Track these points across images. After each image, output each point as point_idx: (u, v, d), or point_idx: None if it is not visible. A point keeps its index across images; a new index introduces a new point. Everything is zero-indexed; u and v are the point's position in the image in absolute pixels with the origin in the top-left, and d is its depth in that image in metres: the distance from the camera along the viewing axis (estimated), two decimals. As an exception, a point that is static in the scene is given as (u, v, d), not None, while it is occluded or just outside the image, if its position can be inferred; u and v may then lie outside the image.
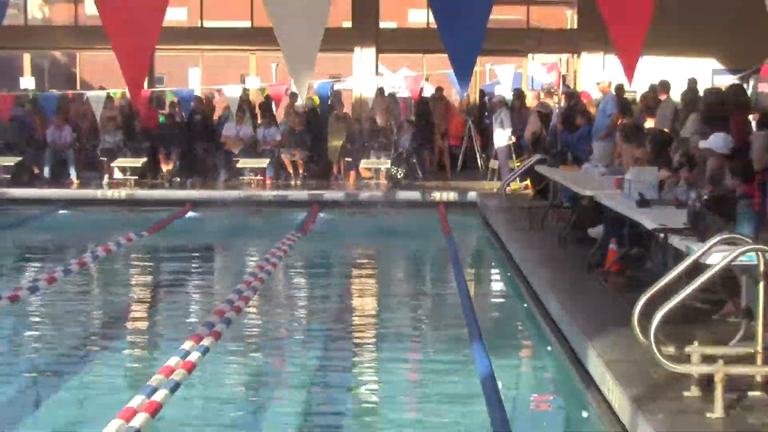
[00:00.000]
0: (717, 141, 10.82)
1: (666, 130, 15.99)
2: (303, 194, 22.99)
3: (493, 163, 24.37)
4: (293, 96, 26.01)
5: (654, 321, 6.99)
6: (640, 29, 6.22)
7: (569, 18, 38.96)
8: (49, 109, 24.27)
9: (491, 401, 8.04)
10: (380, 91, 27.49)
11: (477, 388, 8.72)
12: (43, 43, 33.19)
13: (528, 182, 21.19)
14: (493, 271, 15.75)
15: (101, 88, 25.83)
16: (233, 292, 12.55)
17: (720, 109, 13.27)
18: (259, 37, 31.38)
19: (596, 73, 27.20)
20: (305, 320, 12.54)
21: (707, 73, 24.49)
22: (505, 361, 9.76)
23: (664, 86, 19.34)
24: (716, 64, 26.14)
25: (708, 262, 7.51)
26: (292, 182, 24.35)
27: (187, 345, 9.66)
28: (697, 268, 7.64)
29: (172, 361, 9.14)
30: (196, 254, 17.98)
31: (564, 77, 29.45)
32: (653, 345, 7.01)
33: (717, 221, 8.66)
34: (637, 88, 20.27)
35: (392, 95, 28.05)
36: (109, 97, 24.23)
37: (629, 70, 6.37)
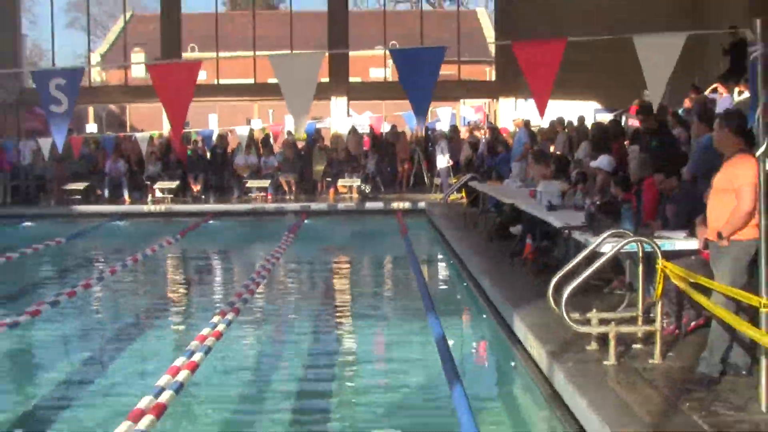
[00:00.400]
0: (603, 161, 10.90)
1: (562, 154, 16.05)
2: (296, 206, 22.89)
3: (437, 180, 24.41)
4: (289, 134, 26.01)
5: (564, 294, 7.03)
6: (549, 79, 6.27)
7: (488, 73, 39.25)
8: (108, 147, 24.15)
9: (444, 357, 8.03)
10: (353, 129, 27.53)
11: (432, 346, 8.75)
12: (102, 99, 33.07)
13: (463, 194, 21.19)
14: (439, 259, 15.70)
15: (143, 130, 25.62)
16: (248, 278, 12.53)
17: (604, 138, 13.37)
18: (260, 90, 31.56)
19: (510, 113, 27.41)
20: (300, 297, 12.39)
21: (591, 111, 24.61)
22: (452, 326, 9.71)
23: (561, 122, 19.46)
24: (597, 105, 26.30)
25: (602, 250, 7.55)
26: (287, 197, 24.27)
27: (215, 319, 9.65)
28: (593, 255, 7.68)
29: (205, 330, 9.10)
30: (218, 251, 17.91)
31: (487, 117, 29.55)
32: (564, 312, 7.03)
33: (606, 221, 8.70)
34: (540, 123, 20.41)
35: (358, 132, 28.01)
36: (151, 137, 24.13)
37: (541, 108, 6.42)
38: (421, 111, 6.91)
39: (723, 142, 6.85)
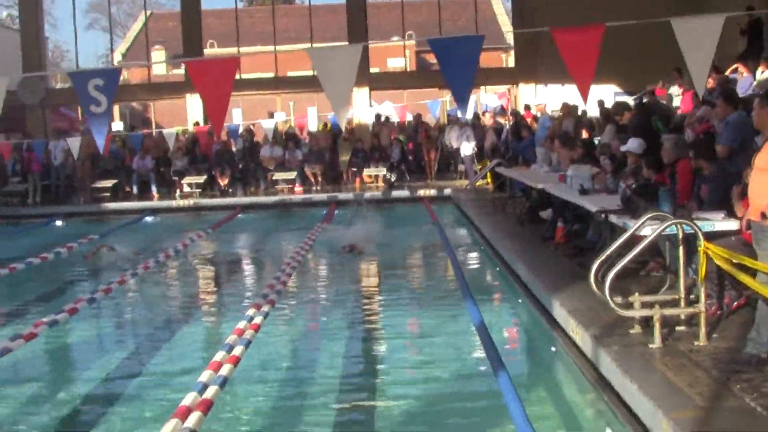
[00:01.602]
0: (633, 144, 10.76)
1: (589, 137, 15.90)
2: (323, 196, 22.89)
3: (461, 167, 24.30)
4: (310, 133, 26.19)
5: (608, 278, 6.94)
6: (590, 65, 6.18)
7: (504, 59, 39.10)
8: (135, 144, 24.17)
9: (485, 342, 7.98)
10: (386, 118, 27.69)
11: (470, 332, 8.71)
12: (126, 97, 33.10)
13: (488, 180, 21.12)
14: (469, 245, 15.61)
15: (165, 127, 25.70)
16: (279, 270, 12.50)
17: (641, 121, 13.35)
18: (281, 84, 31.47)
19: (531, 99, 27.22)
20: (334, 284, 12.28)
21: (610, 95, 24.41)
22: (489, 312, 9.63)
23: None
24: (616, 88, 26.07)
25: (641, 233, 7.45)
26: (314, 188, 24.25)
27: (251, 311, 9.57)
28: (632, 238, 7.60)
29: (241, 324, 9.04)
30: (249, 243, 17.87)
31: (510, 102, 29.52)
32: (608, 296, 6.95)
33: (643, 203, 8.59)
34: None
35: (389, 122, 27.96)
36: (177, 133, 24.11)
37: (584, 94, 6.34)
38: (463, 99, 6.83)
39: (763, 120, 6.73)
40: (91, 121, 7.20)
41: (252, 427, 7.03)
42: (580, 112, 19.25)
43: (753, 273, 6.45)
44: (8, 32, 37.97)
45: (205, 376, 7.10)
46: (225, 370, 7.27)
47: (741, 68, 15.99)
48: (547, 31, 6.95)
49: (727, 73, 16.38)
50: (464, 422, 6.83)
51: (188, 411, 6.22)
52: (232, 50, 31.72)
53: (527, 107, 25.08)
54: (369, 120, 28.02)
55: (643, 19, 7.64)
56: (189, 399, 6.46)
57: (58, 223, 21.73)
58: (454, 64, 6.44)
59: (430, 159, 25.44)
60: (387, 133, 26.36)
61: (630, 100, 18.82)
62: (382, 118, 28.00)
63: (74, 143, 19.96)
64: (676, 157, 9.36)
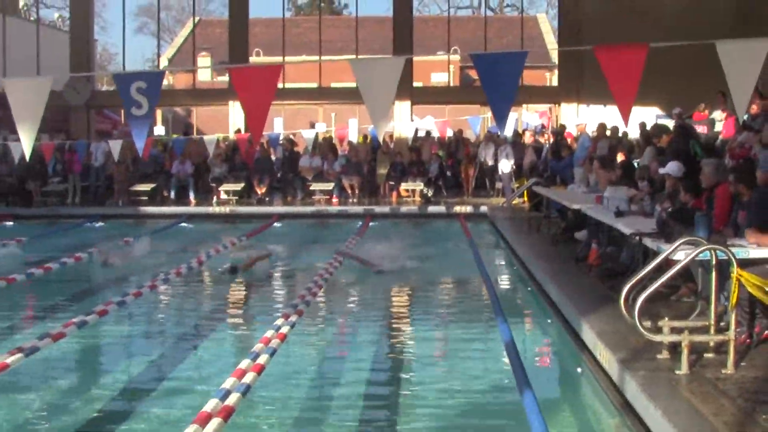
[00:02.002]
0: (673, 167, 10.70)
1: (627, 160, 15.80)
2: (359, 209, 22.97)
3: (498, 185, 24.27)
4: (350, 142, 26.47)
5: (638, 302, 6.91)
6: (632, 84, 6.17)
7: (548, 78, 38.99)
8: (177, 149, 24.42)
9: (513, 360, 7.97)
10: (427, 133, 27.89)
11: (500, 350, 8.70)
12: (169, 102, 33.48)
13: (525, 198, 21.08)
14: (503, 264, 15.55)
15: (207, 133, 25.93)
16: (311, 281, 12.55)
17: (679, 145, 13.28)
18: (324, 94, 31.68)
19: (573, 118, 27.13)
20: (364, 297, 12.25)
21: (652, 117, 24.27)
22: (518, 331, 9.59)
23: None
24: (658, 111, 25.90)
25: (675, 258, 7.41)
26: (350, 200, 24.35)
27: (279, 321, 9.64)
28: (664, 262, 7.56)
29: (269, 333, 9.11)
30: (283, 253, 17.91)
31: (551, 121, 29.44)
32: (637, 320, 6.92)
33: (679, 227, 8.54)
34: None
35: (431, 136, 28.05)
36: (217, 140, 24.31)
37: (625, 114, 6.33)
38: (502, 116, 6.84)
39: None
40: (132, 123, 7.30)
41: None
42: (621, 134, 19.14)
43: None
44: (59, 33, 38.59)
45: (228, 383, 7.17)
46: (248, 378, 7.34)
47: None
48: (589, 50, 6.95)
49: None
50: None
51: (209, 417, 6.28)
52: (278, 59, 31.97)
53: (563, 126, 25.03)
54: (409, 134, 28.08)
55: (688, 41, 7.61)
56: (210, 405, 6.52)
57: (96, 224, 21.97)
58: (496, 80, 6.45)
59: (468, 175, 25.41)
60: (428, 148, 26.44)
61: (671, 123, 18.70)
62: (422, 133, 28.11)
63: (116, 145, 20.24)
64: (716, 182, 9.30)
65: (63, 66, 31.21)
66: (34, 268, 13.50)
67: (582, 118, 24.86)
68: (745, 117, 14.46)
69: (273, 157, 25.93)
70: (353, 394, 7.97)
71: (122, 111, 33.46)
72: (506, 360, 8.19)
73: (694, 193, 9.69)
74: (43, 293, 13.07)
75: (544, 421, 6.12)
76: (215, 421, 6.19)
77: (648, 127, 18.47)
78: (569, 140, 21.70)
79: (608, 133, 18.96)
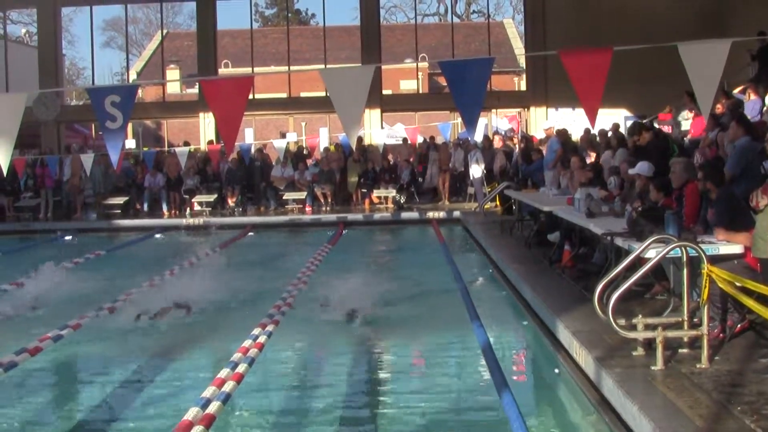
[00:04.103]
0: (643, 167, 10.83)
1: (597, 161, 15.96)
2: (332, 217, 22.98)
3: (470, 190, 24.38)
4: (326, 149, 26.62)
5: (611, 301, 6.99)
6: (598, 87, 6.25)
7: (516, 83, 39.22)
8: (149, 162, 24.29)
9: (490, 362, 8.03)
10: (405, 140, 28.10)
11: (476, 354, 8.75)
12: (140, 115, 33.36)
13: (497, 202, 21.19)
14: (477, 267, 15.59)
15: (186, 144, 25.81)
16: (285, 291, 12.53)
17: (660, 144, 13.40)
18: (293, 104, 31.70)
19: (542, 122, 27.31)
20: (341, 305, 12.24)
21: (621, 119, 24.53)
22: (494, 334, 9.61)
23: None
24: (626, 112, 26.16)
25: (646, 256, 7.50)
26: (323, 208, 24.35)
27: (256, 331, 9.67)
28: (637, 261, 7.64)
29: (247, 342, 9.12)
30: (257, 263, 17.83)
31: (520, 125, 29.67)
32: (611, 318, 6.99)
33: (649, 226, 8.64)
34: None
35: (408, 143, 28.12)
36: (190, 151, 24.22)
37: (591, 117, 6.41)
38: (471, 121, 6.91)
39: None
40: (106, 137, 7.30)
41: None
42: (588, 135, 19.34)
43: (756, 296, 6.49)
44: (26, 49, 38.33)
45: (208, 392, 7.19)
46: (228, 386, 7.37)
47: (750, 91, 16.01)
48: (556, 54, 7.04)
49: (735, 91, 16.42)
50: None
51: (190, 425, 6.29)
52: (246, 70, 31.94)
53: (528, 134, 25.31)
54: (380, 141, 28.13)
55: (651, 44, 7.72)
56: (191, 414, 6.53)
57: (68, 237, 21.83)
58: (464, 86, 6.52)
59: (444, 181, 25.49)
60: (406, 153, 26.54)
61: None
62: (397, 140, 28.28)
63: (87, 160, 20.22)
64: (685, 180, 9.41)
65: (32, 81, 31.03)
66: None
67: (551, 122, 25.00)
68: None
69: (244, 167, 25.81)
70: (330, 402, 7.97)
71: (92, 125, 33.37)
72: (483, 363, 8.23)
73: (666, 192, 9.79)
74: (18, 306, 12.79)
75: (524, 421, 6.18)
76: (197, 429, 6.22)
77: (620, 129, 18.66)
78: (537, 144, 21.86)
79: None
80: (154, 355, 9.70)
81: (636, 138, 14.25)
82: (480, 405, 7.59)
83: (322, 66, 27.58)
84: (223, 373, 7.83)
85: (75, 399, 8.72)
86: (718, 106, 15.61)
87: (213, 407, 6.76)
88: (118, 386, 8.75)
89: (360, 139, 26.79)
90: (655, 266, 7.60)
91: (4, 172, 7.52)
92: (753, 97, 15.13)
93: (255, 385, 8.24)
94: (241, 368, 8.01)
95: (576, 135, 21.07)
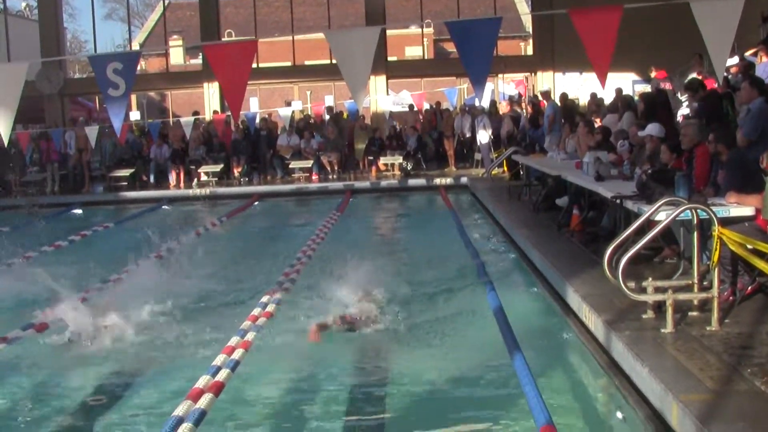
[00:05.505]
0: (654, 128, 10.77)
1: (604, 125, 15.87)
2: (339, 185, 22.98)
3: (477, 156, 24.33)
4: (329, 110, 26.71)
5: (621, 263, 6.97)
6: (607, 48, 6.21)
7: (522, 47, 39.01)
8: (154, 133, 24.23)
9: (502, 326, 8.07)
10: (411, 107, 27.94)
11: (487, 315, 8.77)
12: (144, 86, 33.27)
13: (504, 168, 21.14)
14: (486, 233, 15.55)
15: (195, 113, 25.78)
16: (295, 258, 12.55)
17: (652, 107, 13.25)
18: (298, 72, 31.55)
19: (548, 87, 27.20)
20: (348, 267, 12.24)
21: (629, 82, 24.41)
22: (503, 298, 9.58)
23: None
24: (634, 76, 26.02)
25: (656, 218, 7.47)
26: (330, 176, 24.32)
27: (265, 298, 9.81)
28: (646, 224, 7.62)
29: (256, 311, 9.23)
30: (266, 232, 17.85)
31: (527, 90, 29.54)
32: (621, 281, 6.97)
33: (659, 189, 8.60)
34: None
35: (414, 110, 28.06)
36: (195, 121, 24.15)
37: (602, 78, 6.38)
38: (480, 83, 6.87)
39: None
40: (109, 105, 7.27)
41: (263, 411, 7.07)
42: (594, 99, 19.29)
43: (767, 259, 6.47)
44: (27, 23, 38.16)
45: (218, 360, 7.24)
46: (237, 354, 7.42)
47: (762, 53, 15.85)
48: (565, 15, 6.97)
49: (747, 54, 16.26)
50: (479, 403, 6.87)
51: (201, 393, 6.34)
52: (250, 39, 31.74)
53: (536, 97, 25.11)
54: (386, 108, 28.03)
55: (664, 1, 7.64)
56: (202, 382, 6.58)
57: (76, 211, 21.87)
58: (472, 47, 6.47)
59: (450, 146, 25.41)
60: (412, 120, 26.46)
61: (648, 89, 18.79)
62: (404, 107, 28.18)
63: (92, 132, 20.19)
64: (696, 142, 9.34)
65: (33, 56, 30.90)
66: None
67: (559, 87, 24.89)
68: (729, 77, 14.48)
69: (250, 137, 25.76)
70: (342, 363, 8.02)
71: (96, 98, 33.31)
72: (495, 327, 8.23)
73: (677, 153, 9.72)
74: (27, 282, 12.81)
75: (536, 384, 6.19)
76: (207, 397, 6.28)
77: (625, 93, 18.54)
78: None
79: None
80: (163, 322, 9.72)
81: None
82: (492, 368, 7.57)
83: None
84: (233, 341, 7.90)
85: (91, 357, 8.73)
86: (734, 67, 15.46)
87: (222, 375, 6.81)
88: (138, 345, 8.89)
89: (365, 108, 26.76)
90: (665, 229, 7.57)
91: (5, 142, 7.52)
92: (765, 59, 14.97)
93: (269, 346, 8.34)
94: (250, 336, 8.08)
95: (584, 100, 21.01)
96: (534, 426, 5.67)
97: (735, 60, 14.75)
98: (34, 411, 7.24)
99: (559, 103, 20.35)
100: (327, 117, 26.68)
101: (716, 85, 12.89)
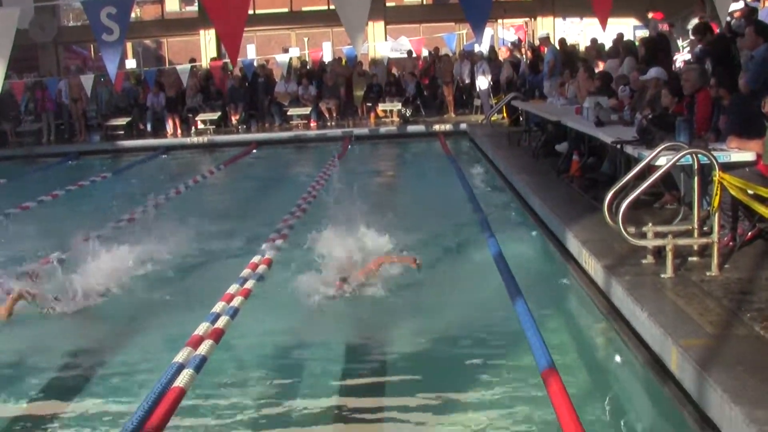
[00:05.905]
0: (657, 71, 10.71)
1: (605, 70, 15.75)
2: (337, 132, 22.88)
3: (477, 102, 24.20)
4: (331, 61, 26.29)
5: (621, 208, 6.96)
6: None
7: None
8: (150, 81, 24.05)
9: (503, 272, 8.11)
10: (410, 53, 27.80)
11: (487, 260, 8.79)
12: (139, 34, 32.97)
13: (504, 114, 21.04)
14: (485, 179, 15.54)
15: (192, 61, 25.61)
16: (295, 205, 12.54)
17: (654, 52, 13.13)
18: (295, 18, 31.28)
19: (549, 33, 26.99)
20: (351, 214, 12.18)
21: (630, 28, 24.27)
22: (503, 244, 9.57)
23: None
24: (635, 22, 25.87)
25: (657, 163, 7.44)
26: (329, 123, 24.21)
27: (265, 246, 9.89)
28: (646, 169, 7.60)
29: (256, 258, 9.25)
30: (266, 179, 17.79)
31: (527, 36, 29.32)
32: (621, 226, 6.97)
33: (660, 133, 8.56)
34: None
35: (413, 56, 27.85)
36: (192, 69, 23.97)
37: (603, 21, 6.32)
38: (479, 28, 6.79)
39: None
40: (103, 51, 7.20)
41: (259, 361, 7.09)
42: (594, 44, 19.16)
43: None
44: (19, -32, 37.67)
45: (218, 307, 7.26)
46: (237, 302, 7.45)
47: (765, -2, 15.74)
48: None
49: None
50: (482, 348, 6.88)
51: (201, 340, 6.37)
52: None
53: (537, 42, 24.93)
54: (384, 54, 27.83)
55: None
56: (201, 329, 6.61)
57: (72, 161, 21.81)
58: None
59: (448, 92, 25.27)
60: (411, 66, 26.28)
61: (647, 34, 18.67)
62: (402, 54, 27.98)
63: (87, 81, 20.05)
64: (698, 87, 9.26)
65: (26, 1, 30.53)
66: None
67: (559, 32, 24.71)
68: (731, 21, 14.32)
69: (247, 84, 25.55)
70: (344, 312, 8.02)
71: (91, 47, 33.01)
72: (496, 272, 8.25)
73: (679, 97, 9.65)
74: (22, 232, 12.73)
75: (538, 328, 6.22)
76: (207, 343, 6.32)
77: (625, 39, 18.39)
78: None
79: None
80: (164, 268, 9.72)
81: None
82: (494, 313, 7.59)
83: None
84: (232, 288, 7.92)
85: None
86: (737, 11, 15.29)
87: (222, 322, 6.84)
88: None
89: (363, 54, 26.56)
90: (666, 173, 7.56)
91: (-1, 88, 7.42)
92: (768, 3, 14.85)
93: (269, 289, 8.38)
94: (249, 284, 8.11)
95: (583, 46, 20.89)
96: (536, 368, 5.70)
97: (739, 5, 14.59)
98: (31, 359, 7.27)
99: (558, 48, 20.19)
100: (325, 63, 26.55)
101: (718, 30, 12.75)
